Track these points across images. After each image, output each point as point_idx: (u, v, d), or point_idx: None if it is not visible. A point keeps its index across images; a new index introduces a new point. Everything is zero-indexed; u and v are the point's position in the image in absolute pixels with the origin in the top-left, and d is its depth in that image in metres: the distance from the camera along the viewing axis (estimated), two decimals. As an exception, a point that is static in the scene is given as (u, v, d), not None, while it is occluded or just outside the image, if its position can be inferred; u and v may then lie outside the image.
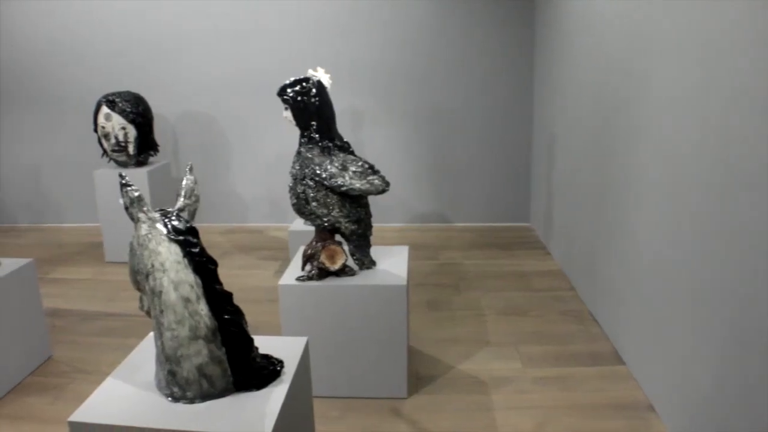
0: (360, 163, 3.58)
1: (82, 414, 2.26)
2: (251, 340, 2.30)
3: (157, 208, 2.29)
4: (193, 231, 2.23)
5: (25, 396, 4.20)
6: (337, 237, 3.71)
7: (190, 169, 2.38)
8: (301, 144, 3.64)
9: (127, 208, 2.25)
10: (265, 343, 2.45)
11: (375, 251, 3.86)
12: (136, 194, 2.24)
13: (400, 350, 3.71)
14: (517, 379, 3.97)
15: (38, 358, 4.59)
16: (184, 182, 2.34)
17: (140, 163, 6.54)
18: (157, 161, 6.83)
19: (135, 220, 2.25)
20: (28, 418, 3.94)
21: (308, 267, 3.68)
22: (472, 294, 5.30)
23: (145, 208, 2.25)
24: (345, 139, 3.72)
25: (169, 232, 2.20)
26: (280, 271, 5.82)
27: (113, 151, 6.43)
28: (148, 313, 2.34)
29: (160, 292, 2.17)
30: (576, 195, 5.25)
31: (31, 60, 7.98)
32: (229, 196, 7.66)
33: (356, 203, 3.61)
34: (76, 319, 5.30)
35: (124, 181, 2.26)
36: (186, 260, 2.18)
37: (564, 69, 5.56)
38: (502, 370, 4.07)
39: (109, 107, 6.32)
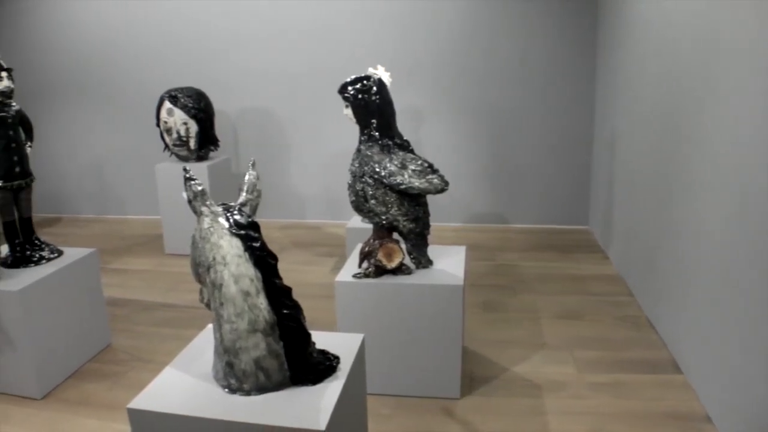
0: (419, 162, 3.57)
1: (141, 401, 2.31)
2: (309, 335, 2.31)
3: (220, 202, 2.33)
4: (254, 226, 2.25)
5: (84, 382, 4.31)
6: (395, 235, 3.72)
7: (253, 165, 2.41)
8: (361, 142, 3.65)
9: (190, 202, 2.29)
10: (321, 339, 2.47)
11: (432, 250, 3.86)
12: (200, 188, 2.27)
13: (454, 350, 3.70)
14: (571, 384, 3.93)
15: (98, 346, 4.70)
16: (246, 177, 2.37)
17: (201, 157, 6.64)
18: (217, 156, 6.93)
19: (198, 213, 2.29)
20: (85, 404, 4.05)
21: (365, 264, 3.69)
22: (528, 296, 5.25)
23: (208, 202, 2.28)
24: (405, 138, 3.73)
25: (231, 226, 2.23)
26: (337, 268, 5.85)
27: (175, 145, 6.54)
28: (207, 305, 2.37)
29: (221, 285, 2.20)
30: (637, 198, 5.16)
31: (97, 55, 8.17)
32: (288, 192, 7.72)
33: (415, 202, 3.61)
34: (135, 309, 5.41)
35: (188, 175, 2.30)
36: (247, 254, 2.21)
37: (628, 67, 5.44)
38: (556, 375, 4.03)
39: (171, 102, 6.43)
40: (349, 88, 3.66)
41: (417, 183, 3.50)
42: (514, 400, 3.76)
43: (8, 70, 4.34)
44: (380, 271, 3.63)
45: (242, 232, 2.22)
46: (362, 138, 3.65)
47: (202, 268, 2.29)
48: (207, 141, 6.64)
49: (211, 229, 2.24)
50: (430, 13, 6.90)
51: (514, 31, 6.78)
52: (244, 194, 2.35)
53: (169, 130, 6.49)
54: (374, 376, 3.47)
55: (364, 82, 3.66)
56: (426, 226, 3.72)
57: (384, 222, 3.61)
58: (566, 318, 4.84)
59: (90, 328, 4.64)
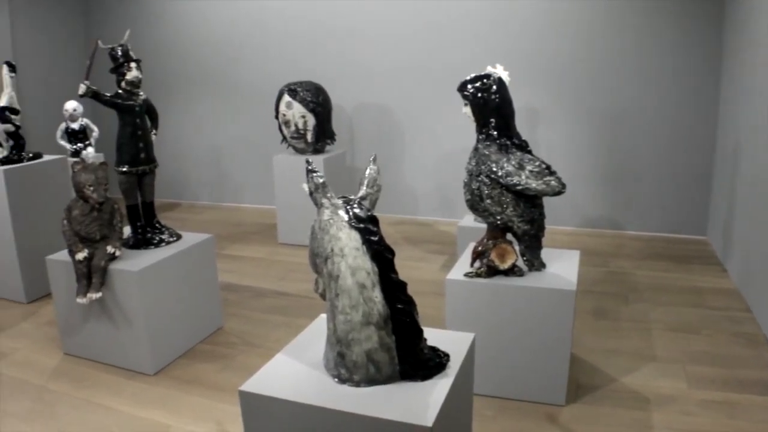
0: (537, 163, 3.52)
1: (252, 385, 2.36)
2: (421, 331, 2.31)
3: (340, 195, 2.36)
4: (373, 219, 2.27)
5: (195, 361, 4.47)
6: (509, 236, 3.68)
7: (374, 159, 2.43)
8: (478, 140, 3.63)
9: (311, 193, 2.33)
10: (432, 335, 2.47)
11: (545, 253, 3.81)
12: (321, 180, 2.31)
13: (562, 356, 3.64)
14: (681, 399, 3.78)
15: (210, 328, 4.87)
16: (367, 172, 2.40)
17: (317, 150, 6.76)
18: (333, 150, 7.03)
19: (318, 205, 2.33)
20: (196, 383, 4.19)
21: (477, 264, 3.67)
22: (641, 306, 5.10)
23: (328, 194, 2.32)
24: (523, 138, 3.68)
25: (350, 219, 2.26)
26: (447, 266, 5.84)
27: (292, 138, 6.69)
28: (322, 295, 2.41)
29: (338, 276, 2.23)
30: (760, 211, 4.91)
31: (220, 50, 8.43)
32: (401, 188, 7.75)
33: (531, 203, 3.56)
34: (247, 295, 5.56)
35: (310, 167, 2.34)
36: (364, 247, 2.23)
37: (756, 70, 5.19)
38: (666, 389, 3.90)
39: (290, 96, 6.58)
40: (469, 86, 3.65)
41: (534, 184, 3.45)
42: (620, 412, 3.67)
43: (137, 61, 4.53)
44: (492, 271, 3.61)
45: (361, 225, 2.25)
46: (480, 137, 3.63)
47: (319, 259, 2.32)
48: (324, 134, 6.76)
49: (331, 221, 2.27)
50: (549, 12, 6.80)
51: (636, 32, 6.59)
52: (364, 188, 2.37)
53: (287, 123, 6.64)
54: (479, 377, 3.44)
55: (484, 80, 3.64)
56: (541, 228, 3.67)
57: (498, 222, 3.57)
58: (679, 331, 4.67)
59: (203, 311, 4.80)
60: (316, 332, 2.69)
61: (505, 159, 3.51)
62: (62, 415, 3.93)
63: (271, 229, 7.38)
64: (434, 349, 2.41)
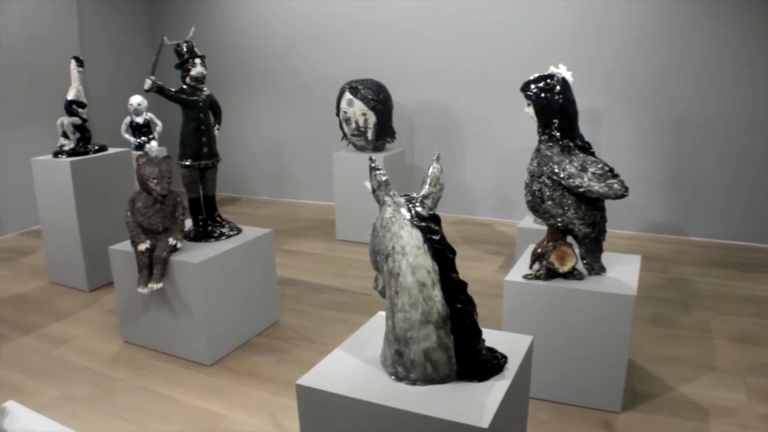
0: (600, 165, 3.48)
1: (309, 379, 2.37)
2: (480, 332, 2.30)
3: (402, 193, 2.36)
4: (435, 218, 2.26)
5: (252, 354, 4.53)
6: (569, 239, 3.64)
7: (437, 158, 2.43)
8: (540, 141, 3.60)
9: (374, 191, 2.33)
10: (490, 337, 2.45)
11: (605, 257, 3.75)
12: (384, 178, 2.31)
13: (619, 362, 3.58)
14: (740, 411, 3.68)
15: (267, 321, 4.92)
16: (430, 170, 2.39)
17: (377, 148, 6.78)
18: (393, 148, 7.05)
19: (381, 203, 2.33)
20: (251, 374, 4.25)
21: (536, 266, 3.64)
22: (702, 314, 4.98)
23: (391, 192, 2.32)
24: (585, 139, 3.64)
25: (412, 217, 2.25)
26: (504, 267, 5.81)
27: (353, 135, 6.72)
28: (382, 293, 2.41)
29: (398, 274, 2.22)
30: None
31: (282, 47, 8.53)
32: (460, 187, 7.72)
33: (592, 206, 3.51)
34: (304, 290, 5.60)
35: (373, 165, 2.34)
36: (426, 246, 2.22)
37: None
38: (724, 400, 3.80)
39: (352, 93, 6.61)
40: (532, 86, 3.62)
41: (596, 187, 3.40)
42: (677, 422, 3.59)
43: (201, 57, 4.60)
44: (551, 273, 3.57)
45: (423, 224, 2.24)
46: (542, 137, 3.59)
47: (380, 256, 2.32)
48: (384, 132, 6.78)
49: (393, 218, 2.27)
50: (614, 11, 6.69)
51: (702, 33, 6.43)
52: (426, 186, 2.36)
53: (348, 120, 6.68)
54: (534, 379, 3.41)
55: (548, 80, 3.60)
56: (602, 231, 3.61)
57: (559, 224, 3.53)
58: (741, 341, 4.55)
59: (261, 304, 4.85)
60: (374, 329, 2.70)
61: (567, 160, 3.47)
62: (120, 401, 4.02)
63: (330, 225, 7.43)
64: (492, 351, 2.39)
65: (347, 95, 6.68)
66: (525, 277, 3.62)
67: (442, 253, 2.22)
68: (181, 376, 4.29)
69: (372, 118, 6.61)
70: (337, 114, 6.84)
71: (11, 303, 5.69)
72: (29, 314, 5.41)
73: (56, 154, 5.79)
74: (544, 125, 3.59)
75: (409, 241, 2.22)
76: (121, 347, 4.74)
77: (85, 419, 3.80)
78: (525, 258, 3.87)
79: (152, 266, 4.26)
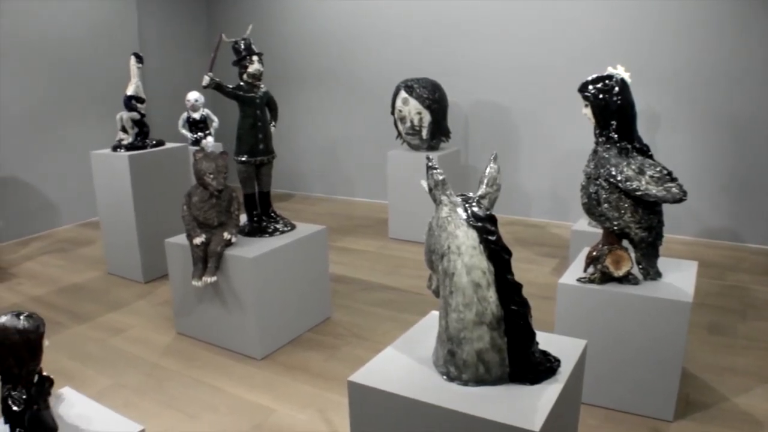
0: (658, 169, 3.42)
1: (361, 376, 2.39)
2: (534, 334, 2.28)
3: (459, 193, 2.35)
4: (491, 219, 2.25)
5: (302, 349, 4.57)
6: (625, 242, 3.58)
7: (494, 158, 2.41)
8: (598, 143, 3.55)
9: (430, 190, 2.34)
10: (543, 339, 2.44)
11: (661, 262, 3.68)
12: (441, 177, 2.31)
13: (673, 370, 3.52)
14: (796, 426, 3.59)
15: (318, 317, 4.95)
16: (487, 170, 2.37)
17: (432, 147, 6.78)
18: (447, 147, 7.04)
19: (437, 202, 2.33)
20: (301, 369, 4.28)
21: (591, 269, 3.60)
22: (760, 324, 4.86)
23: (448, 192, 2.31)
24: (644, 142, 3.58)
25: (468, 217, 2.25)
26: (557, 270, 5.76)
27: (407, 134, 6.73)
28: (435, 292, 2.41)
29: (453, 273, 2.22)
30: None
31: (338, 45, 8.59)
32: (514, 189, 7.67)
33: (650, 210, 3.45)
34: (356, 287, 5.63)
35: (430, 164, 2.34)
36: (481, 246, 2.21)
37: None
38: (780, 413, 3.70)
39: (407, 92, 6.62)
40: (590, 87, 3.57)
41: (654, 190, 3.35)
42: (730, 433, 3.51)
43: (259, 55, 4.65)
44: (606, 277, 3.52)
45: (479, 224, 2.23)
46: (600, 139, 3.55)
47: (435, 256, 2.32)
48: (439, 131, 6.77)
49: (449, 218, 2.27)
50: (675, 11, 6.56)
51: (764, 34, 6.27)
52: (483, 187, 2.35)
53: (403, 119, 6.69)
54: (585, 384, 3.38)
55: (606, 81, 3.55)
56: (659, 236, 3.55)
57: (615, 228, 3.49)
58: (800, 352, 4.45)
59: (313, 300, 4.88)
60: (427, 328, 2.70)
61: (624, 163, 3.42)
62: (171, 390, 4.10)
63: (382, 223, 7.45)
64: (545, 354, 2.37)
65: (403, 94, 6.68)
66: (579, 280, 3.58)
67: (497, 254, 2.21)
68: (231, 368, 4.34)
69: (427, 117, 6.60)
70: (392, 112, 6.85)
71: (69, 292, 5.83)
72: (86, 304, 5.54)
73: (115, 148, 5.91)
74: (601, 127, 3.54)
75: (465, 240, 2.22)
76: (174, 338, 4.82)
77: (138, 407, 3.88)
78: (579, 261, 3.83)
79: (207, 260, 4.32)
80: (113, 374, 4.33)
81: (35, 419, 2.21)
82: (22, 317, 2.21)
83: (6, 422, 2.20)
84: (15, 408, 2.17)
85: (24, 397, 2.18)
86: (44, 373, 2.30)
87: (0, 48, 7.30)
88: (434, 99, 6.63)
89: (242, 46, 4.60)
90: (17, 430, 2.18)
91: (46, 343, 2.27)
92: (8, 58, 7.37)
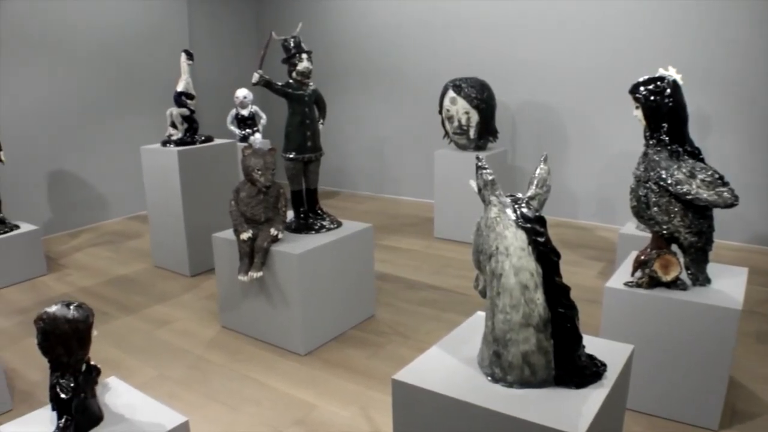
0: (710, 172, 3.36)
1: (406, 375, 2.39)
2: (580, 338, 2.27)
3: (508, 194, 2.34)
4: (541, 220, 2.24)
5: (346, 346, 4.59)
6: (674, 247, 3.53)
7: (545, 159, 2.40)
8: (648, 145, 3.51)
9: (479, 190, 2.33)
10: (589, 343, 2.42)
11: (711, 268, 3.62)
12: (491, 177, 2.31)
13: (720, 378, 3.46)
14: None
15: (362, 315, 4.97)
16: (537, 171, 2.36)
17: (479, 147, 6.77)
18: (494, 147, 7.02)
19: (486, 202, 2.32)
20: (344, 366, 4.30)
21: (639, 273, 3.55)
22: (812, 333, 4.77)
23: (497, 192, 2.31)
24: (695, 145, 3.53)
25: (517, 218, 2.24)
26: (603, 273, 5.70)
27: (455, 133, 6.73)
28: (482, 293, 2.41)
29: (500, 275, 2.21)
30: None
31: (386, 43, 8.62)
32: (561, 190, 7.59)
33: (700, 214, 3.40)
34: (401, 286, 5.63)
35: (480, 164, 2.34)
36: (530, 248, 2.20)
37: None
38: (830, 425, 3.61)
39: (455, 92, 6.61)
40: (641, 88, 3.53)
41: (705, 194, 3.30)
42: (778, 444, 3.44)
43: (308, 53, 4.68)
44: (654, 282, 3.47)
45: (528, 225, 2.22)
46: (650, 142, 3.50)
47: (483, 256, 2.32)
48: (486, 131, 6.75)
49: (498, 219, 2.26)
50: (729, 11, 6.43)
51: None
52: (533, 188, 2.34)
53: (450, 119, 6.68)
54: (630, 390, 3.34)
55: (658, 83, 3.50)
56: (709, 241, 3.49)
57: (664, 232, 3.44)
58: None
59: (357, 298, 4.90)
60: (472, 328, 2.69)
61: (675, 166, 3.37)
62: (215, 383, 4.15)
63: (428, 222, 7.45)
64: (591, 358, 2.36)
65: (451, 93, 6.68)
66: (626, 284, 3.54)
67: (546, 255, 2.20)
68: (275, 363, 4.38)
69: (475, 117, 6.59)
70: (440, 112, 6.85)
71: (116, 284, 5.94)
72: (133, 295, 5.63)
73: (164, 143, 6.00)
74: (652, 129, 3.50)
75: (514, 242, 2.21)
76: (219, 332, 4.88)
77: (182, 399, 3.94)
78: (627, 265, 3.78)
79: (253, 255, 4.36)
80: (158, 365, 4.40)
81: (82, 407, 2.27)
82: (71, 307, 2.26)
83: (54, 409, 2.26)
84: (63, 395, 2.22)
85: (72, 385, 2.23)
86: (92, 363, 2.35)
87: (60, 46, 7.47)
88: (482, 99, 6.61)
89: (292, 44, 4.64)
90: (64, 417, 2.23)
91: (94, 333, 2.32)
92: (67, 55, 7.55)
